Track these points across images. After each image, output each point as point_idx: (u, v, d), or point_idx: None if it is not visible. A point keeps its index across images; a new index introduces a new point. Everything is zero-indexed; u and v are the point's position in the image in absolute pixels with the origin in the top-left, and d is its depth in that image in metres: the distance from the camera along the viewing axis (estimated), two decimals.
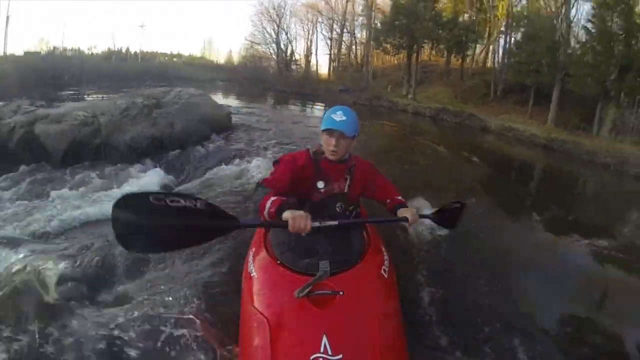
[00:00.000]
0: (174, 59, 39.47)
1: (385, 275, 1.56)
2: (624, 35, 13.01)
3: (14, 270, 2.14)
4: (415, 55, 22.03)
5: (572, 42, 15.78)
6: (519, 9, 19.72)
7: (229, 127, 7.78)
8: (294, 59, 30.36)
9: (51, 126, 5.08)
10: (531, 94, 15.94)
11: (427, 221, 2.01)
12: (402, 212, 1.70)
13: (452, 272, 2.47)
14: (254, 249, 1.75)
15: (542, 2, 18.47)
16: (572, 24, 16.38)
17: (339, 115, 1.62)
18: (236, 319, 1.51)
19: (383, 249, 1.75)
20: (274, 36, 29.63)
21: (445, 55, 22.61)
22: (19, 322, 1.76)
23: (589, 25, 14.86)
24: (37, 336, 1.69)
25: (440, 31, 20.90)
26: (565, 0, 16.34)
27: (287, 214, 1.40)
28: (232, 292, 1.96)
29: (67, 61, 23.73)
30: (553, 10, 17.28)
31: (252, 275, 1.55)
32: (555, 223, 4.79)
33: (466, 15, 22.13)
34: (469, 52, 22.13)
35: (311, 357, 1.14)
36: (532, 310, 2.34)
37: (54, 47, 27.91)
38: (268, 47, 30.35)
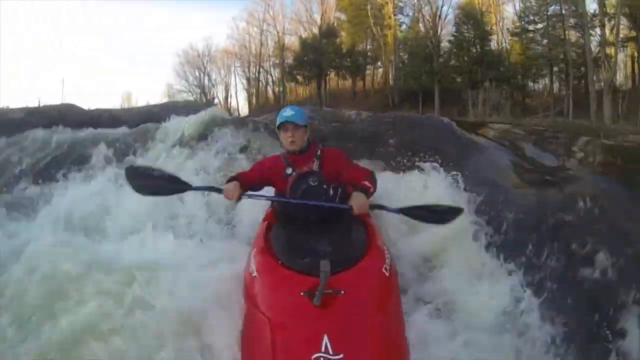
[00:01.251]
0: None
1: (387, 274, 1.53)
2: (476, 40, 16.67)
3: None
4: (324, 82, 24.91)
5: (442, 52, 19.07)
6: (402, 33, 23.32)
7: None
8: (214, 103, 31.20)
9: None
10: (420, 98, 18.65)
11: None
12: (352, 198, 1.69)
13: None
14: (255, 249, 1.75)
15: (419, 26, 22.10)
16: (441, 39, 20.06)
17: (287, 112, 1.92)
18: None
19: (384, 247, 1.74)
20: (196, 83, 30.52)
21: (349, 79, 25.49)
22: None
23: (452, 39, 18.96)
24: None
25: (341, 60, 24.37)
26: (434, 23, 20.26)
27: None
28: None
29: None
30: (424, 31, 21.11)
31: (253, 275, 1.55)
32: None
33: (362, 45, 25.42)
34: (369, 73, 25.38)
35: (312, 357, 1.12)
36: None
37: None
38: (192, 94, 31.05)
